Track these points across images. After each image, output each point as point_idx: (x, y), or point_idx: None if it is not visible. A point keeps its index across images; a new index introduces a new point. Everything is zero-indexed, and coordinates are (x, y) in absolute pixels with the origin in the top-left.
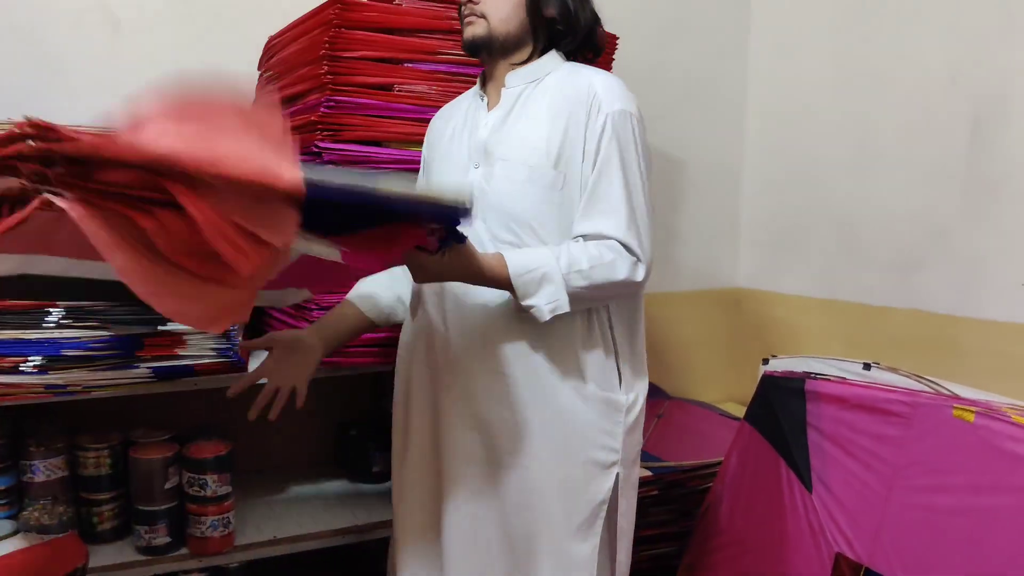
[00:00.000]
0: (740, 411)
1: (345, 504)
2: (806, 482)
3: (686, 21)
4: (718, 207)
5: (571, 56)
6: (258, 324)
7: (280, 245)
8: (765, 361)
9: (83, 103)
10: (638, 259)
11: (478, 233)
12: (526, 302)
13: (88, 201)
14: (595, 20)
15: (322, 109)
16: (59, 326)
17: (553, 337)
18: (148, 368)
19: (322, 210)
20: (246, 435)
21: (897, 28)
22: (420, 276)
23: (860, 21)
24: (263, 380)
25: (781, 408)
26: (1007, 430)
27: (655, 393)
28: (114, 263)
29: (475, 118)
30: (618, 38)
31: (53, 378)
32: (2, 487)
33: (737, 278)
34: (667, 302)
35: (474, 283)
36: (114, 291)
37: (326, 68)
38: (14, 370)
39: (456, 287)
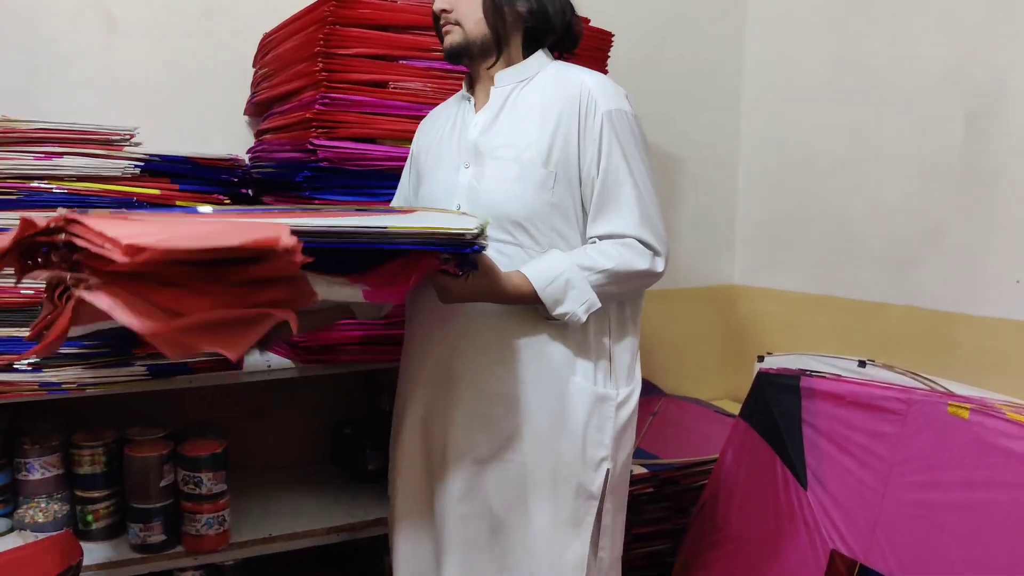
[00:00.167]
0: (735, 408)
1: (340, 502)
2: (801, 479)
3: (682, 16)
4: (713, 204)
5: (555, 50)
6: None
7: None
8: (760, 358)
9: (79, 100)
10: (656, 252)
11: None
12: (558, 311)
13: (108, 285)
14: (570, 11)
15: (317, 106)
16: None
17: (546, 333)
18: (143, 366)
19: (333, 255)
20: (241, 433)
21: (893, 24)
22: (445, 298)
23: (856, 17)
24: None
25: (776, 405)
26: (1001, 427)
27: (650, 390)
28: (143, 332)
29: (464, 119)
30: (613, 35)
31: (48, 376)
32: None
33: (733, 275)
34: (662, 299)
35: (500, 302)
36: None
37: (321, 65)
38: (9, 368)
39: None
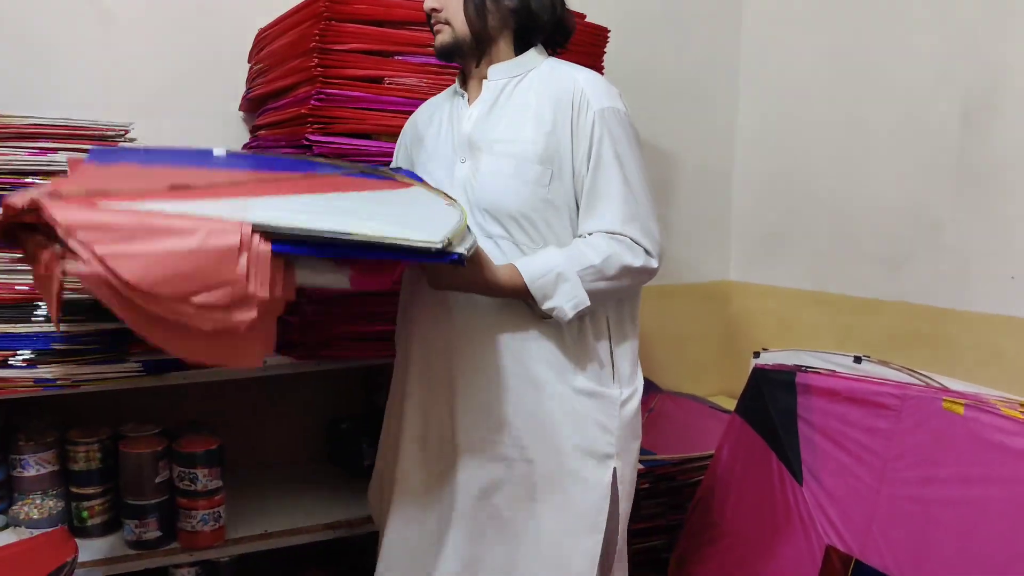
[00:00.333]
0: (731, 404)
1: (336, 498)
2: (797, 475)
3: (678, 12)
4: (709, 200)
5: (547, 46)
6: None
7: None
8: (756, 354)
9: (74, 95)
10: (646, 249)
11: None
12: (546, 305)
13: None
14: (560, 6)
15: (312, 102)
16: (48, 320)
17: (547, 331)
18: (138, 362)
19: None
20: (237, 430)
21: (888, 23)
22: (436, 283)
23: (851, 16)
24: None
25: (772, 401)
26: (996, 422)
27: (646, 387)
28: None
29: (458, 114)
30: (608, 30)
31: (43, 372)
32: None
33: (728, 271)
34: (658, 295)
35: (491, 294)
36: None
37: (316, 61)
38: (3, 364)
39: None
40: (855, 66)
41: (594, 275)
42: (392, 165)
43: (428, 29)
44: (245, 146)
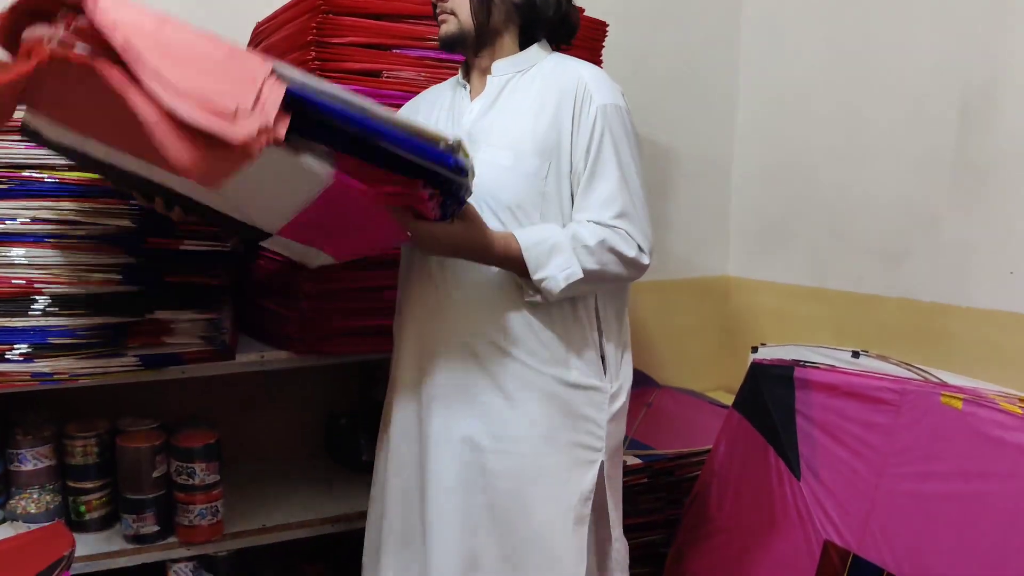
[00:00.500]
0: (729, 399)
1: (334, 493)
2: (795, 470)
3: (677, 6)
4: (708, 195)
5: (551, 41)
6: (255, 318)
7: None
8: (754, 349)
9: None
10: (639, 245)
11: None
12: (538, 274)
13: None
14: (565, 1)
15: None
16: (45, 314)
17: (538, 324)
18: (135, 356)
19: (314, 118)
20: (235, 424)
21: (887, 17)
22: (430, 246)
23: (850, 10)
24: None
25: (770, 396)
26: (994, 417)
27: (644, 382)
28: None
29: (459, 107)
30: (607, 24)
31: (40, 366)
32: None
33: (727, 266)
34: (657, 290)
35: (484, 260)
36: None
37: (314, 54)
38: (0, 358)
39: (448, 271)
40: (854, 61)
41: (587, 253)
42: None
43: (426, 22)
44: None
